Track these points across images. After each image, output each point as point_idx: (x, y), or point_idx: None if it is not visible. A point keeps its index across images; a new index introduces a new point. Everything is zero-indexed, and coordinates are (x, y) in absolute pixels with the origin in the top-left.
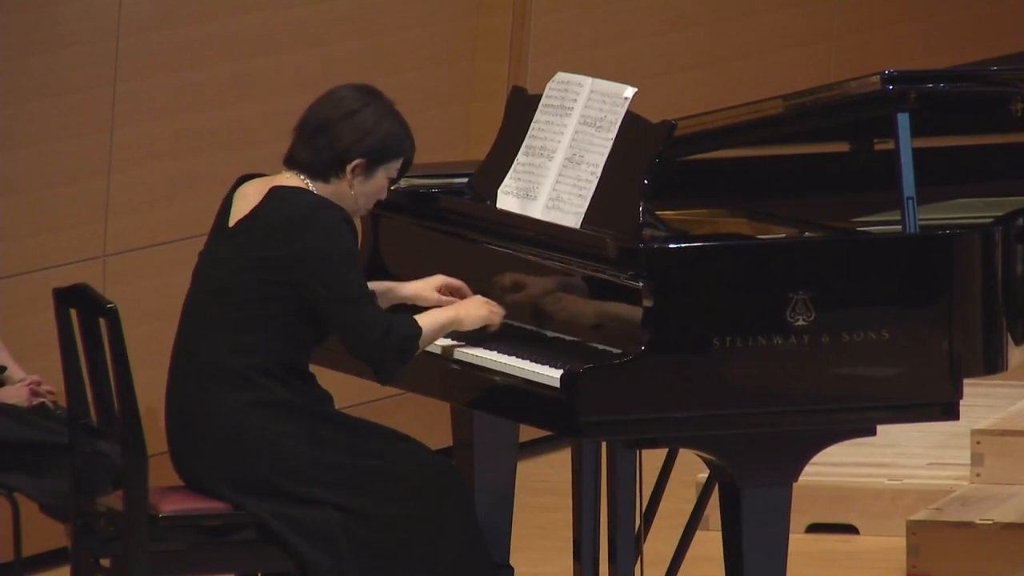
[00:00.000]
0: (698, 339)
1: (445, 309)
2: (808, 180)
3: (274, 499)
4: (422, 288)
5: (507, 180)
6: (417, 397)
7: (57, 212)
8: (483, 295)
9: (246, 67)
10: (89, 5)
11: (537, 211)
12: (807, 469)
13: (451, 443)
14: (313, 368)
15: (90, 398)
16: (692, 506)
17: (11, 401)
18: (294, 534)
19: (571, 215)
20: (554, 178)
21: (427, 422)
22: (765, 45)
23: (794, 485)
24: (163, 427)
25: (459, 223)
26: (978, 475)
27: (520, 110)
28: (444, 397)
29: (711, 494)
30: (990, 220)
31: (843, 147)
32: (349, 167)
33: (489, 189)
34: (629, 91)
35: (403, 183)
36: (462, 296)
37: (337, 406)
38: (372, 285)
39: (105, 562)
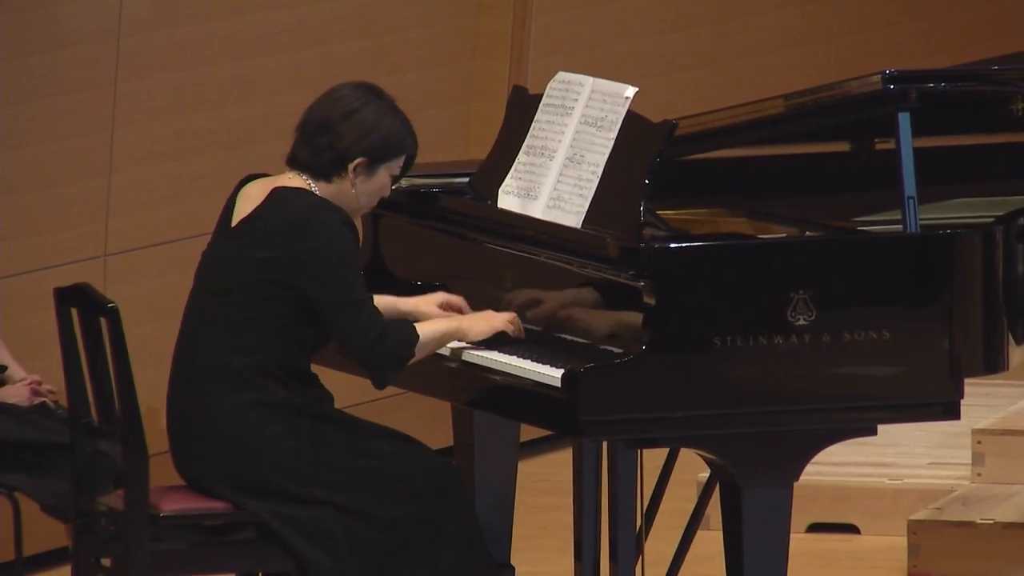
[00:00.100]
0: (699, 338)
1: (447, 319)
2: (809, 180)
3: (274, 499)
4: (422, 304)
5: (508, 180)
6: (417, 397)
7: (57, 212)
8: (483, 295)
9: (246, 67)
10: (89, 5)
11: (538, 211)
12: (808, 469)
13: (451, 443)
14: (314, 368)
15: (91, 398)
16: (693, 506)
17: (12, 401)
18: (294, 534)
19: (572, 215)
20: (555, 178)
21: (427, 422)
22: (765, 45)
23: (795, 485)
24: (164, 427)
25: (460, 223)
26: (979, 475)
27: (521, 110)
28: (445, 396)
29: (712, 494)
30: (991, 220)
31: (844, 147)
32: (351, 166)
33: (490, 189)
34: (630, 91)
35: (404, 183)
36: (462, 314)
37: (337, 406)
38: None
39: (106, 562)
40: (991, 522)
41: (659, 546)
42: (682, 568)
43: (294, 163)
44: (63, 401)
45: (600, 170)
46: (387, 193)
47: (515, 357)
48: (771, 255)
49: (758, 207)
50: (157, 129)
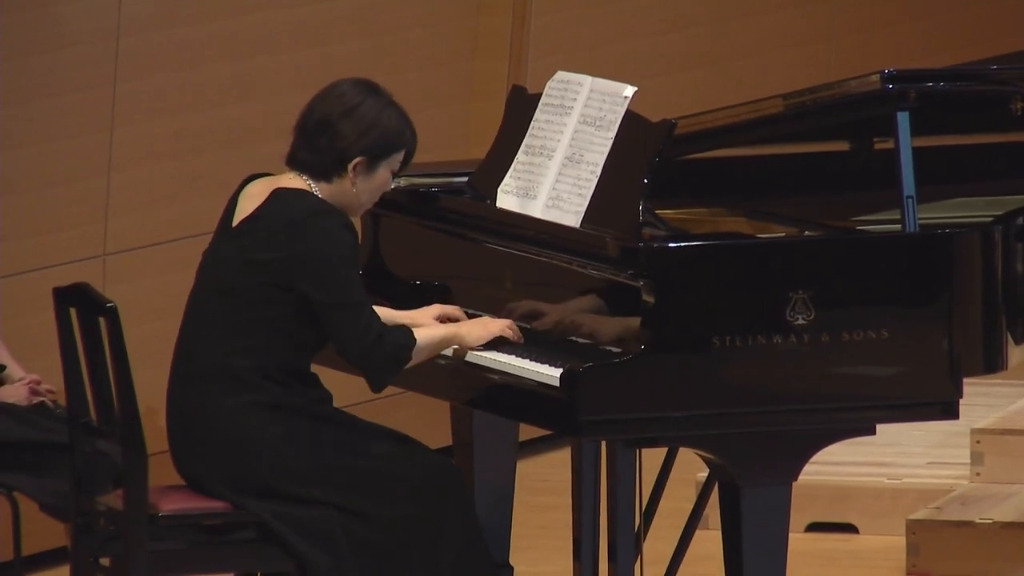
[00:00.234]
0: (698, 338)
1: (446, 325)
2: (808, 179)
3: (274, 499)
4: (418, 317)
5: (507, 179)
6: (417, 397)
7: (57, 212)
8: (483, 294)
9: (246, 67)
10: (89, 5)
11: (537, 210)
12: (807, 468)
13: (451, 443)
14: (314, 368)
15: (90, 397)
16: (692, 505)
17: (11, 400)
18: (294, 534)
19: (571, 214)
20: (554, 177)
21: (427, 421)
22: (765, 45)
23: (794, 484)
24: (163, 426)
25: (459, 222)
26: (978, 474)
27: (520, 109)
28: (444, 396)
29: (711, 493)
30: (990, 219)
31: (843, 146)
32: (350, 166)
33: (489, 188)
34: (629, 90)
35: (403, 182)
36: None
37: (337, 405)
38: None
39: (105, 561)
40: (990, 522)
41: (658, 545)
42: (681, 567)
43: (294, 163)
44: (62, 401)
45: (599, 169)
46: (389, 187)
47: (514, 357)
48: (770, 255)
49: (757, 207)
50: (157, 129)
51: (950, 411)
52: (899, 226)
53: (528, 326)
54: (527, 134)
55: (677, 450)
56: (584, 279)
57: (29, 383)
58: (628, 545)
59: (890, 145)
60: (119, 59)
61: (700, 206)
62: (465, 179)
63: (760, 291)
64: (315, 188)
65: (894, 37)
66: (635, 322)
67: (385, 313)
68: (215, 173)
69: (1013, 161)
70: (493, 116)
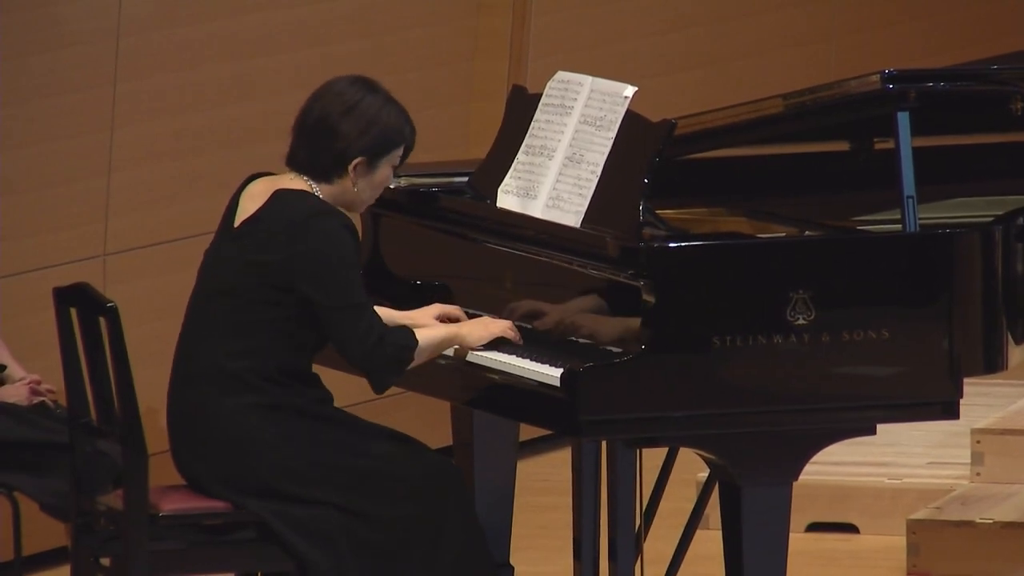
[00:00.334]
0: (698, 338)
1: (447, 325)
2: (808, 179)
3: (274, 499)
4: (419, 316)
5: (507, 179)
6: (417, 397)
7: (57, 212)
8: (483, 294)
9: (246, 67)
10: (89, 5)
11: (537, 210)
12: (807, 468)
13: (451, 443)
14: (314, 368)
15: (90, 397)
16: (692, 505)
17: (11, 400)
18: (294, 534)
19: (571, 214)
20: (554, 177)
21: (427, 421)
22: (765, 45)
23: (794, 484)
24: (163, 426)
25: (459, 222)
26: (978, 474)
27: (520, 109)
28: (444, 396)
29: (711, 493)
30: (990, 219)
31: (843, 146)
32: (351, 167)
33: (489, 188)
34: (629, 90)
35: (403, 182)
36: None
37: (337, 405)
38: None
39: (105, 561)
40: (990, 522)
41: (658, 545)
42: (681, 567)
43: (294, 164)
44: (62, 401)
45: (599, 169)
46: (389, 183)
47: (514, 356)
48: (770, 255)
49: (757, 206)
50: (157, 129)
51: (950, 411)
52: (899, 226)
53: (529, 326)
54: (527, 134)
55: (677, 450)
56: (584, 279)
57: (29, 383)
58: (628, 545)
59: (890, 145)
60: (119, 59)
61: (700, 206)
62: (465, 179)
63: (760, 291)
64: (316, 189)
65: (894, 37)
66: (635, 322)
67: (385, 313)
68: (215, 173)
69: (1013, 161)
70: (493, 116)
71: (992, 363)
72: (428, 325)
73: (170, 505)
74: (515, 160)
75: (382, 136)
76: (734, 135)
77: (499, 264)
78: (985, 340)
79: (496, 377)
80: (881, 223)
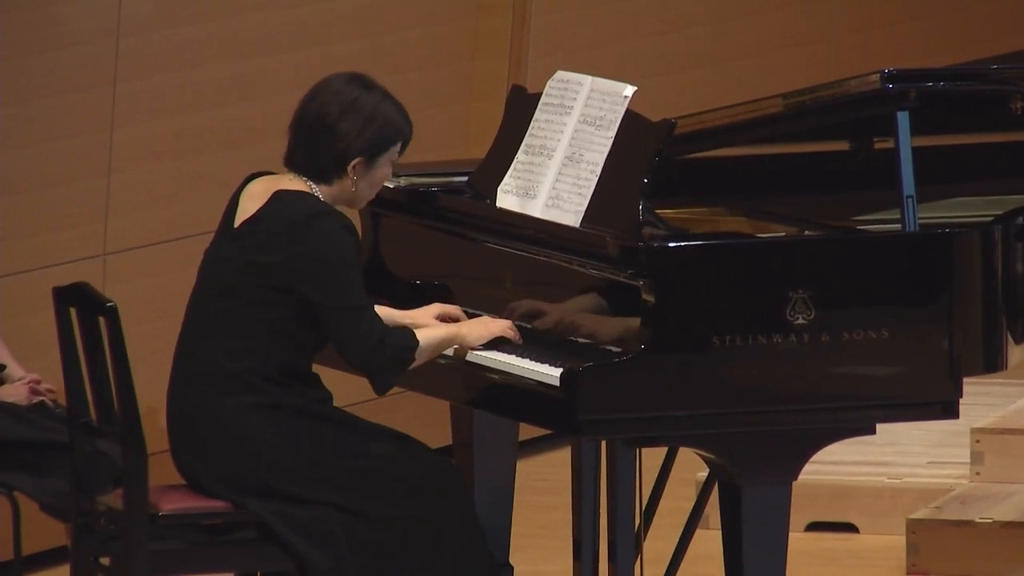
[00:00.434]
0: (698, 338)
1: (446, 325)
2: (808, 179)
3: (274, 499)
4: (419, 316)
5: (507, 179)
6: (417, 396)
7: (57, 212)
8: (483, 294)
9: (246, 67)
10: (89, 5)
11: (537, 210)
12: (807, 468)
13: (451, 442)
14: (315, 368)
15: (90, 397)
16: (692, 505)
17: (11, 400)
18: (294, 534)
19: (571, 214)
20: (554, 177)
21: (427, 421)
22: (765, 45)
23: (794, 484)
24: (163, 426)
25: (459, 222)
26: (978, 474)
27: (520, 109)
28: (444, 396)
29: (711, 493)
30: (990, 219)
31: (843, 146)
32: (349, 167)
33: (489, 188)
34: (629, 90)
35: (403, 182)
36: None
37: (337, 405)
38: None
39: (105, 561)
40: (990, 521)
41: (658, 545)
42: (681, 567)
43: (292, 165)
44: (62, 400)
45: (599, 169)
46: (389, 178)
47: (514, 356)
48: (770, 254)
49: (757, 206)
50: (157, 129)
51: (950, 411)
52: (899, 226)
53: (528, 326)
54: (527, 134)
55: (677, 450)
56: (584, 279)
57: (29, 383)
58: (628, 545)
59: (890, 145)
60: (119, 59)
61: (700, 206)
62: (465, 179)
63: (760, 291)
64: (315, 189)
65: (894, 37)
66: (635, 322)
67: (385, 313)
68: (215, 173)
69: (1013, 160)
70: (493, 116)
71: (992, 363)
72: (428, 325)
73: (170, 505)
74: (515, 160)
75: (380, 134)
76: (734, 135)
77: (499, 264)
78: (985, 340)
79: (496, 377)
80: (881, 223)
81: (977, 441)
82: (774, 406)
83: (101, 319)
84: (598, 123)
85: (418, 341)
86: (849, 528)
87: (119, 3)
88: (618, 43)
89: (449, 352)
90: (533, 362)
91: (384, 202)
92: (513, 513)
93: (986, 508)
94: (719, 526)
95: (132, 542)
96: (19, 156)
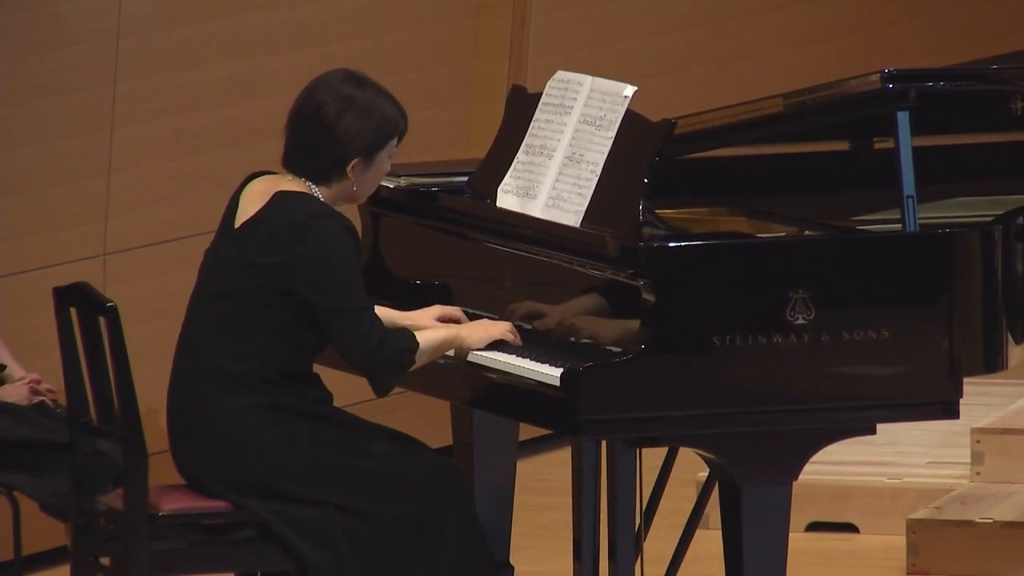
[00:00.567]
0: (698, 338)
1: (446, 328)
2: (808, 179)
3: (274, 499)
4: (419, 318)
5: (507, 179)
6: (417, 396)
7: (57, 211)
8: (483, 294)
9: (246, 67)
10: (89, 5)
11: (537, 210)
12: (807, 468)
13: (451, 442)
14: (315, 368)
15: (90, 397)
16: (692, 505)
17: (11, 400)
18: (294, 534)
19: (571, 214)
20: (554, 177)
21: (427, 421)
22: (765, 45)
23: (794, 484)
24: (164, 426)
25: (459, 222)
26: (978, 474)
27: (520, 109)
28: (444, 396)
29: (711, 493)
30: (990, 219)
31: (843, 146)
32: (348, 168)
33: (489, 188)
34: (629, 90)
35: (403, 182)
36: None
37: (337, 405)
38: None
39: (105, 561)
40: (990, 521)
41: (658, 545)
42: (681, 567)
43: (290, 167)
44: (62, 400)
45: (599, 169)
46: (388, 169)
47: (514, 356)
48: (770, 254)
49: (757, 206)
50: (157, 129)
51: (950, 411)
52: (899, 226)
53: (529, 326)
54: (527, 134)
55: (677, 450)
56: (584, 279)
57: (29, 383)
58: (628, 545)
59: (890, 145)
60: (119, 59)
61: (700, 206)
62: (465, 179)
63: (760, 291)
64: (315, 190)
65: (894, 37)
66: (635, 322)
67: (386, 314)
68: (215, 173)
69: (1013, 160)
70: (493, 116)
71: (992, 363)
72: (428, 327)
73: (170, 505)
74: (515, 160)
75: (377, 132)
76: (734, 135)
77: (499, 264)
78: (985, 340)
79: (496, 377)
80: (881, 223)
81: (977, 441)
82: (774, 406)
83: (101, 319)
84: (598, 123)
85: (418, 343)
86: (849, 528)
87: (119, 3)
88: (618, 43)
89: (449, 352)
90: (533, 362)
91: (384, 202)
92: (513, 513)
93: (986, 508)
94: (719, 526)
95: (132, 542)
96: (19, 156)
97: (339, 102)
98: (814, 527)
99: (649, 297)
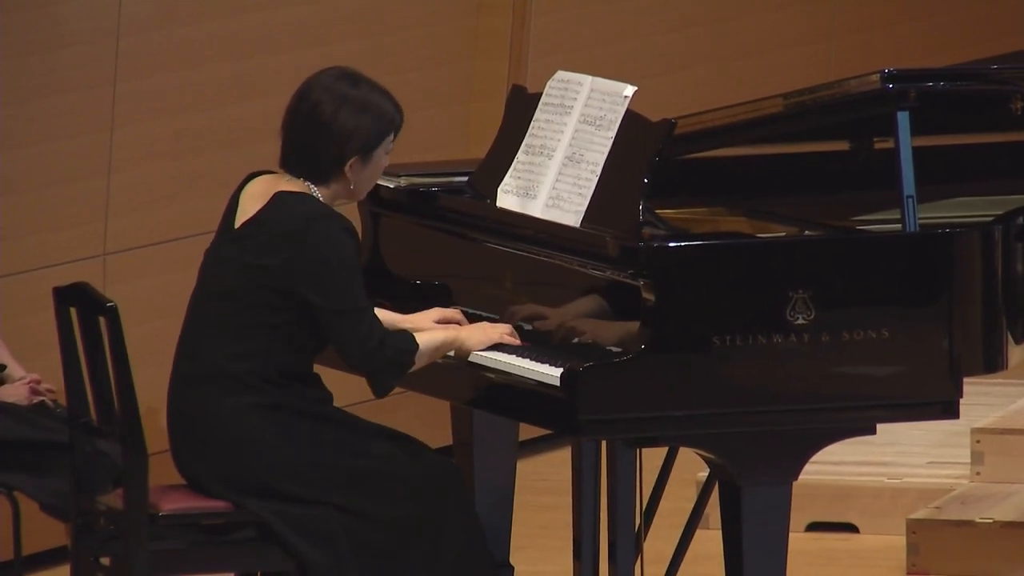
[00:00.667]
0: (698, 338)
1: (446, 329)
2: (808, 178)
3: (274, 499)
4: (419, 320)
5: (507, 179)
6: (417, 396)
7: (57, 211)
8: (483, 294)
9: (246, 67)
10: (89, 5)
11: (537, 210)
12: (807, 468)
13: (451, 442)
14: (315, 368)
15: (90, 397)
16: (692, 505)
17: (11, 400)
18: (294, 534)
19: (571, 214)
20: (554, 177)
21: (427, 421)
22: (765, 44)
23: (794, 484)
24: (164, 426)
25: (459, 222)
26: (978, 474)
27: (520, 109)
28: (444, 396)
29: (711, 493)
30: (990, 219)
31: (843, 146)
32: (347, 167)
33: (489, 188)
34: (629, 90)
35: (403, 182)
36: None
37: (337, 405)
38: None
39: (105, 561)
40: (990, 521)
41: (658, 545)
42: (681, 567)
43: (288, 168)
44: (62, 400)
45: (599, 169)
46: (385, 165)
47: (514, 356)
48: (770, 254)
49: (757, 206)
50: (157, 129)
51: (950, 411)
52: (899, 226)
53: (529, 327)
54: (527, 134)
55: (677, 450)
56: (584, 278)
57: (29, 383)
58: (628, 545)
59: (890, 145)
60: (119, 59)
61: (700, 206)
62: (465, 179)
63: (760, 291)
64: (314, 190)
65: (894, 37)
66: (635, 322)
67: (386, 316)
68: (215, 173)
69: (1013, 160)
70: (493, 116)
71: (992, 363)
72: (428, 328)
73: (170, 505)
74: (515, 160)
75: (373, 129)
76: (734, 135)
77: (499, 264)
78: (985, 340)
79: (496, 377)
80: (881, 223)
81: (977, 441)
82: (774, 406)
83: (101, 319)
84: (598, 123)
85: (418, 344)
86: (849, 528)
87: (119, 3)
88: (618, 43)
89: (450, 353)
90: (533, 362)
91: (384, 202)
92: (513, 513)
93: (986, 508)
94: (719, 526)
95: (132, 542)
96: (19, 156)
97: (334, 101)
98: (814, 527)
99: (649, 297)
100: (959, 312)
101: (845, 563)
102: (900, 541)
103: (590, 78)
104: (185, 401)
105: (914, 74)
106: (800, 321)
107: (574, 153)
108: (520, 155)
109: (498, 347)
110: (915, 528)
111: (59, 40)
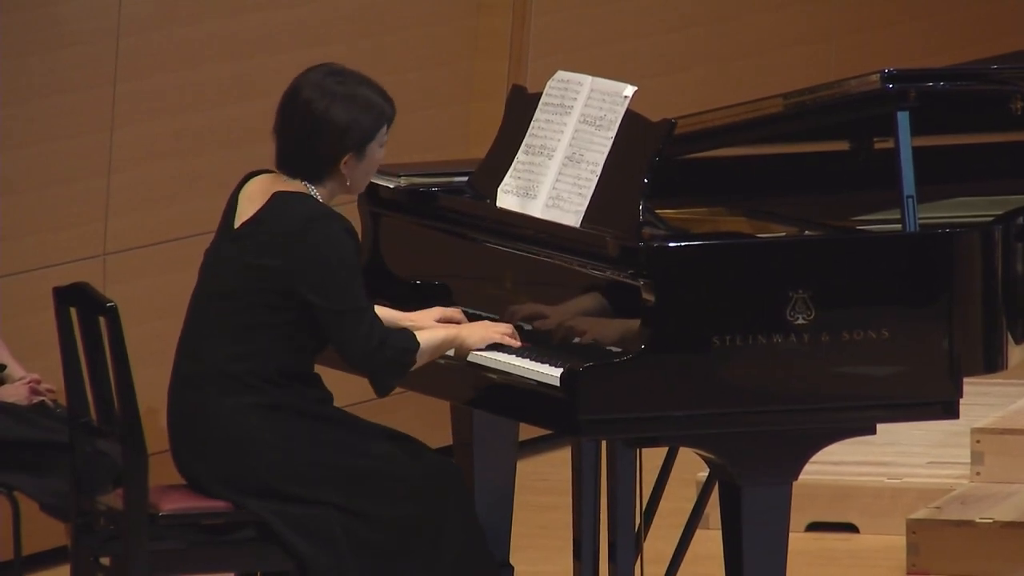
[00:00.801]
0: (698, 338)
1: (446, 328)
2: (808, 178)
3: (274, 499)
4: (419, 319)
5: (507, 179)
6: (417, 396)
7: (57, 211)
8: (483, 294)
9: (246, 67)
10: (89, 5)
11: (537, 210)
12: (807, 468)
13: (451, 442)
14: (316, 368)
15: (90, 397)
16: (692, 505)
17: (11, 400)
18: (294, 534)
19: (571, 214)
20: (554, 177)
21: (427, 421)
22: (765, 44)
23: (794, 484)
24: (164, 426)
25: (459, 222)
26: (978, 474)
27: (520, 109)
28: (444, 396)
29: (711, 493)
30: (990, 219)
31: (843, 146)
32: (342, 164)
33: (489, 188)
34: (629, 90)
35: (403, 182)
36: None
37: (337, 405)
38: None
39: (105, 561)
40: (990, 521)
41: (658, 545)
42: (681, 567)
43: (285, 169)
44: (62, 400)
45: (599, 169)
46: (381, 158)
47: (514, 356)
48: (770, 254)
49: (757, 206)
50: (157, 129)
51: (950, 411)
52: (899, 226)
53: (529, 326)
54: (527, 134)
55: (677, 450)
56: (584, 279)
57: (29, 383)
58: (628, 545)
59: (890, 145)
60: (119, 59)
61: (700, 206)
62: (465, 179)
63: (760, 291)
64: (312, 189)
65: (894, 37)
66: (635, 322)
67: (386, 314)
68: (215, 173)
69: (1013, 160)
70: (493, 116)
71: (992, 363)
72: (429, 327)
73: (170, 505)
74: (515, 160)
75: (365, 127)
76: (734, 135)
77: (499, 264)
78: (985, 340)
79: (496, 377)
80: (881, 223)
81: (977, 441)
82: (774, 406)
83: (101, 319)
84: (598, 123)
85: (419, 343)
86: (849, 528)
87: (119, 3)
88: (618, 43)
89: (450, 352)
90: (533, 362)
91: (384, 202)
92: (513, 513)
93: (986, 508)
94: (719, 526)
95: (132, 542)
96: (19, 156)
97: (324, 98)
98: (814, 527)
99: (649, 297)
100: (959, 312)
101: (845, 563)
102: (900, 541)
103: (590, 78)
104: (185, 401)
105: (914, 74)
106: (800, 321)
107: (574, 153)
108: (520, 155)
109: (498, 347)
110: (915, 528)
111: (59, 40)
